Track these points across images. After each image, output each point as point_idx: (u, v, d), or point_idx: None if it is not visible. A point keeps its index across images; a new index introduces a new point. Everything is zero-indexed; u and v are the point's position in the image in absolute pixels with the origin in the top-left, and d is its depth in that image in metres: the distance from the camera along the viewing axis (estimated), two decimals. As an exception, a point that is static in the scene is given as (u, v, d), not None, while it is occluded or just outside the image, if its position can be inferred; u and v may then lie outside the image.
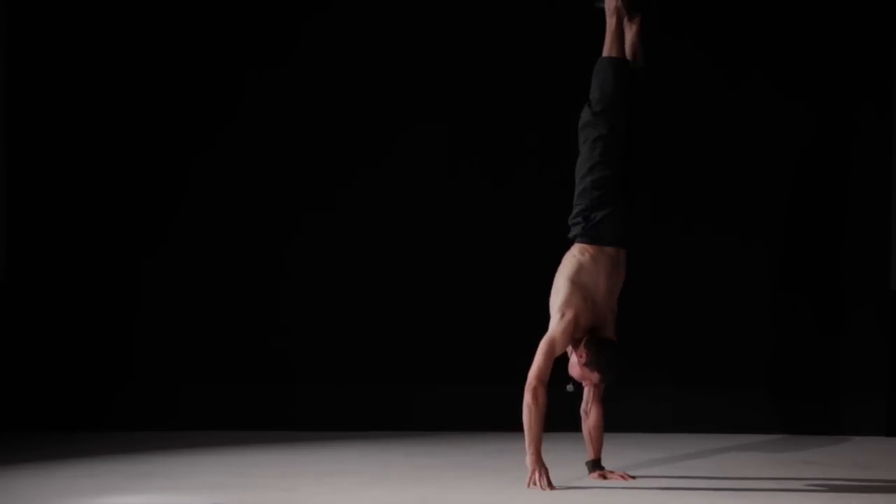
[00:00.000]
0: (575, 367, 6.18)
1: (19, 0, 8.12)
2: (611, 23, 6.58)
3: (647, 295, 6.94)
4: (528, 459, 6.03)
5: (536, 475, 5.99)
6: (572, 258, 6.28)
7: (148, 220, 8.13)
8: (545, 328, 6.38)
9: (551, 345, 6.08)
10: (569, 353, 6.24)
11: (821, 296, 8.05)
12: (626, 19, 6.61)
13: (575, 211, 6.36)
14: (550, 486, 5.97)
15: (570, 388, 6.24)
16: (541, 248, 6.76)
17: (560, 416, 6.93)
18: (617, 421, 6.77)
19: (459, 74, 8.10)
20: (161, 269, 8.13)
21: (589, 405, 6.30)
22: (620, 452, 6.78)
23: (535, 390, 6.02)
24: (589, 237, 6.28)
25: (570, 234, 6.35)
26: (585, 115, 6.43)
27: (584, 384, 6.25)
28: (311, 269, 8.15)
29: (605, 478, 6.24)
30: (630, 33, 6.62)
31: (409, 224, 8.11)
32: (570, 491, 5.96)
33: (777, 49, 8.04)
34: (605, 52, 6.56)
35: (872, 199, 7.98)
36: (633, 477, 6.29)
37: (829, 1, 8.03)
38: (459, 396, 8.00)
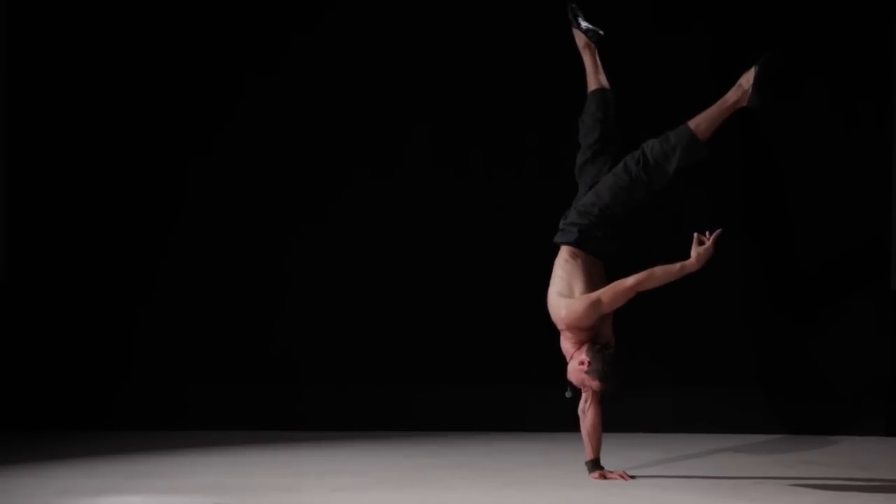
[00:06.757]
0: (574, 372, 6.18)
1: (19, 0, 8.13)
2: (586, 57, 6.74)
3: (645, 294, 6.88)
4: None
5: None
6: (565, 262, 6.32)
7: (148, 220, 8.12)
8: (544, 329, 6.39)
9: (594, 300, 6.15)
10: (568, 358, 6.24)
11: (821, 295, 8.04)
12: (584, 46, 6.73)
13: (570, 218, 6.38)
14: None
15: (568, 394, 6.25)
16: (541, 249, 6.74)
17: (560, 417, 6.95)
18: (617, 421, 6.77)
19: (458, 75, 8.08)
20: (162, 269, 8.12)
21: (587, 405, 6.30)
22: (620, 452, 6.77)
23: None
24: (584, 248, 6.32)
25: (559, 239, 6.37)
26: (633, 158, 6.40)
27: (583, 390, 6.25)
28: (311, 269, 8.14)
29: (604, 478, 6.24)
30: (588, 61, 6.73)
31: (409, 225, 8.11)
32: (570, 491, 5.96)
33: (774, 44, 8.02)
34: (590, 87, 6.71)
35: (872, 198, 7.97)
36: (633, 477, 6.29)
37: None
38: (459, 396, 8.00)
